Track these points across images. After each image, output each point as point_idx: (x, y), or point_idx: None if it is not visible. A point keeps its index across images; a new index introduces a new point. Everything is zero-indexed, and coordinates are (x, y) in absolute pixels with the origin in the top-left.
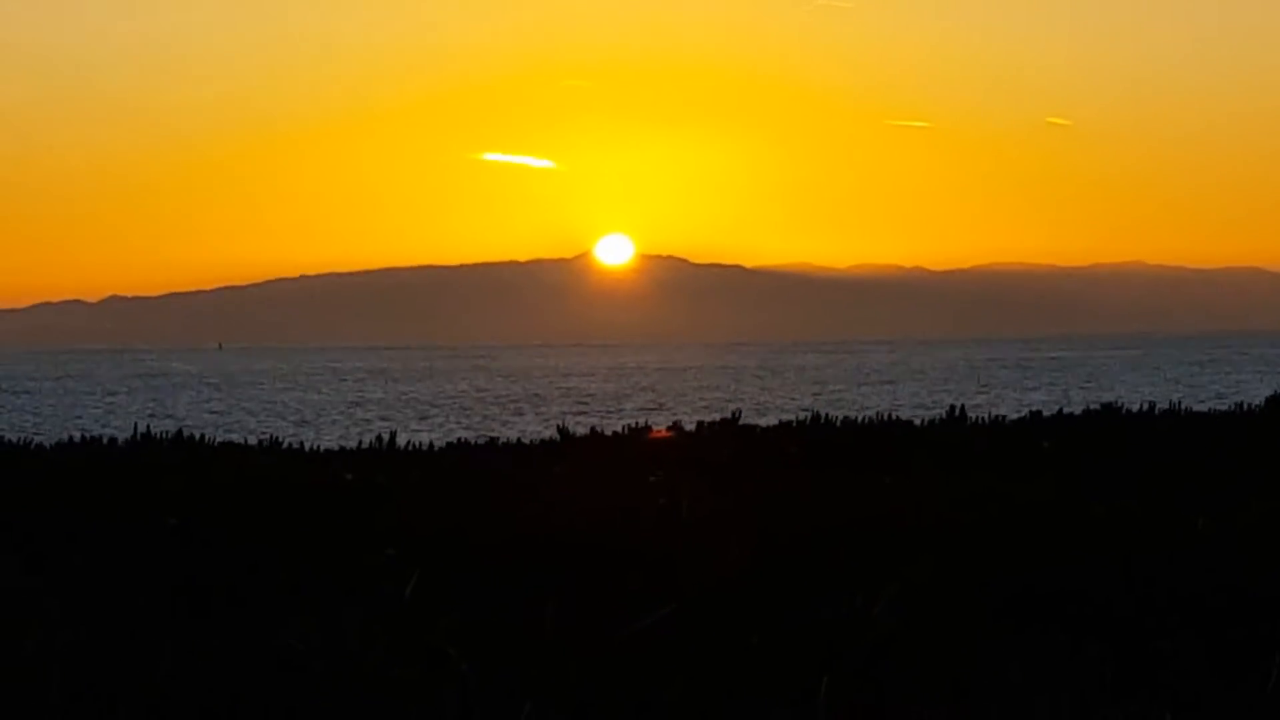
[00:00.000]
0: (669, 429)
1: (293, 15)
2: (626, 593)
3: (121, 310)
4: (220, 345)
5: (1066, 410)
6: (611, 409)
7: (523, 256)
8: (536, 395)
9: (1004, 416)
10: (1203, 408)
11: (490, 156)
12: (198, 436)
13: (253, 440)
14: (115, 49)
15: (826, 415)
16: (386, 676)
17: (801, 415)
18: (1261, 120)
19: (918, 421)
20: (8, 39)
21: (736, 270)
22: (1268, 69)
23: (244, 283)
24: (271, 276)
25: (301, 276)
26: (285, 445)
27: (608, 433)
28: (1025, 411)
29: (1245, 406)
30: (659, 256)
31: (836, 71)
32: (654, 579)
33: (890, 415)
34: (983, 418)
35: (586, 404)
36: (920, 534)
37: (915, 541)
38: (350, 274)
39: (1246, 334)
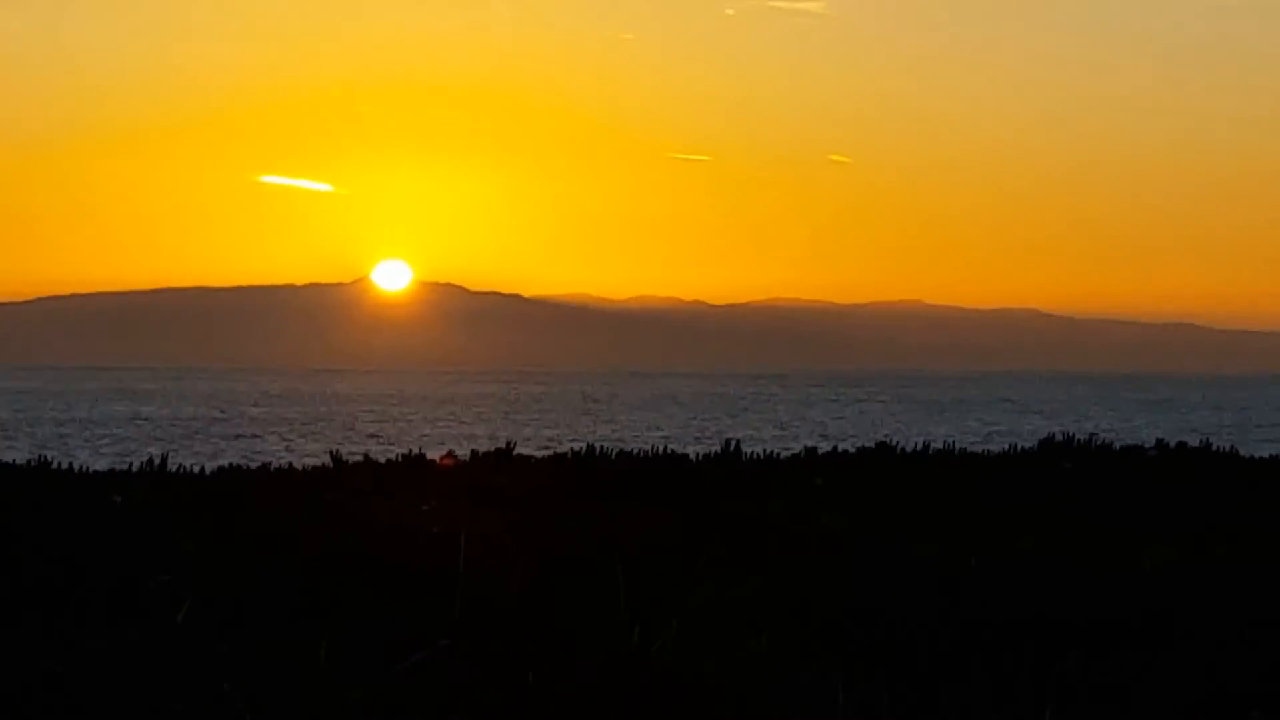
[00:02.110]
0: (444, 458)
1: (67, 27)
2: (406, 622)
3: None
4: None
5: (841, 448)
6: (387, 435)
7: (299, 280)
8: (310, 420)
9: (777, 452)
10: (977, 448)
11: (267, 179)
12: None
13: (20, 459)
14: None
15: (601, 448)
16: (155, 708)
17: (576, 447)
18: (1038, 162)
19: (692, 455)
20: None
21: (514, 299)
22: (1045, 112)
23: (14, 300)
24: (42, 294)
25: (73, 295)
26: (54, 465)
27: (381, 460)
28: (800, 448)
29: (1017, 448)
30: (437, 283)
31: (619, 103)
32: (432, 609)
33: (665, 449)
34: (757, 453)
35: (361, 430)
36: (694, 566)
37: (690, 574)
38: (123, 293)
39: (1024, 373)
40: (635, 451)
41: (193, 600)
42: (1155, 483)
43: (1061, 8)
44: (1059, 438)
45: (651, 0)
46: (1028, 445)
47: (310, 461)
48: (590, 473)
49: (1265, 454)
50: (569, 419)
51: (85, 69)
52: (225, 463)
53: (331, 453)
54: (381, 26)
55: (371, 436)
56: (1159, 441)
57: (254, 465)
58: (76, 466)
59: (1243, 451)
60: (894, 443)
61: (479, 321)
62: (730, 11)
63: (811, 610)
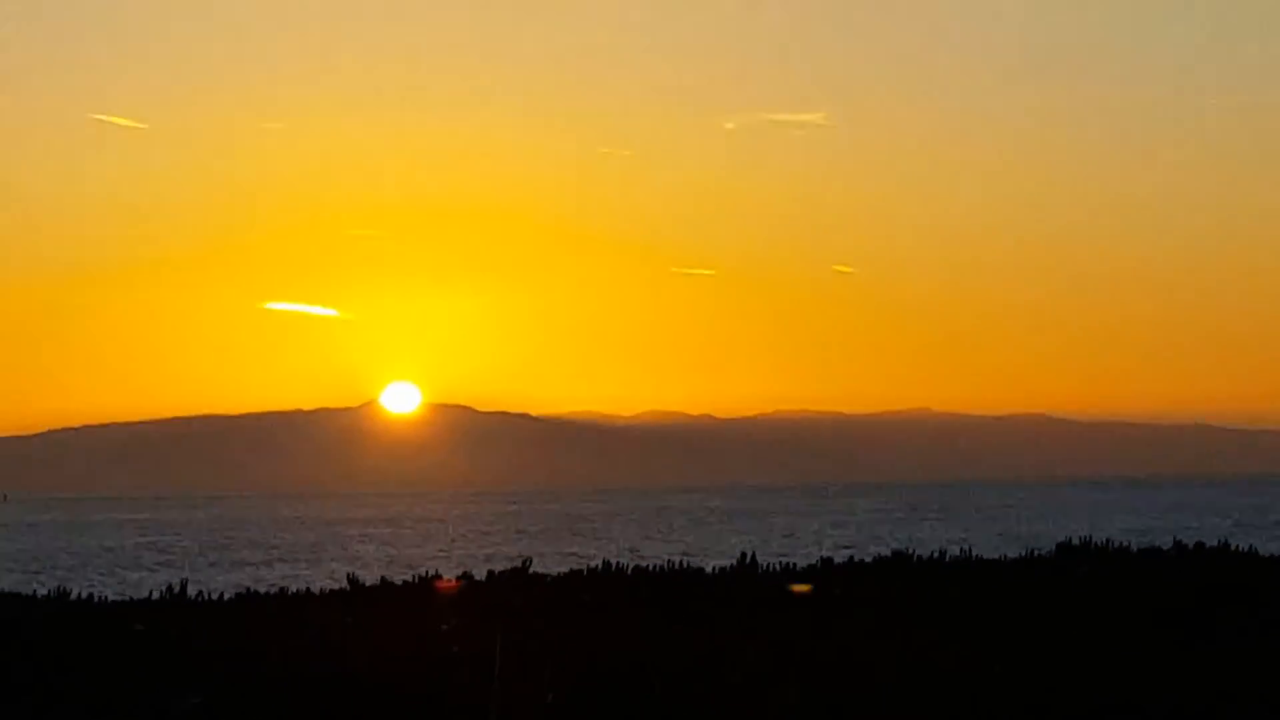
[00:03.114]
0: (459, 578)
1: (73, 159)
2: None
3: None
4: (4, 496)
5: (858, 557)
6: (399, 558)
7: (308, 405)
8: (325, 544)
9: (794, 563)
10: (993, 555)
11: (273, 305)
12: None
13: (41, 591)
14: None
15: (617, 563)
16: None
17: (592, 564)
18: (1044, 269)
19: (709, 569)
20: None
21: (522, 418)
22: (1051, 220)
23: (26, 433)
24: (55, 426)
25: (85, 426)
26: (74, 596)
27: (397, 582)
28: (817, 559)
29: (1034, 553)
30: (445, 405)
31: (621, 219)
32: None
33: (683, 563)
34: (773, 564)
35: (374, 553)
36: (720, 683)
37: (713, 694)
38: (135, 423)
39: (1039, 480)
40: (651, 566)
41: None
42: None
43: (1065, 116)
44: (1075, 541)
45: (650, 117)
46: (1044, 550)
47: (327, 585)
48: (606, 588)
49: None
50: (579, 537)
51: (88, 202)
52: (243, 588)
53: (348, 576)
54: (379, 152)
55: (387, 560)
56: (1176, 542)
57: (271, 591)
58: (96, 596)
59: (1262, 550)
60: (910, 551)
61: (488, 441)
62: (730, 125)
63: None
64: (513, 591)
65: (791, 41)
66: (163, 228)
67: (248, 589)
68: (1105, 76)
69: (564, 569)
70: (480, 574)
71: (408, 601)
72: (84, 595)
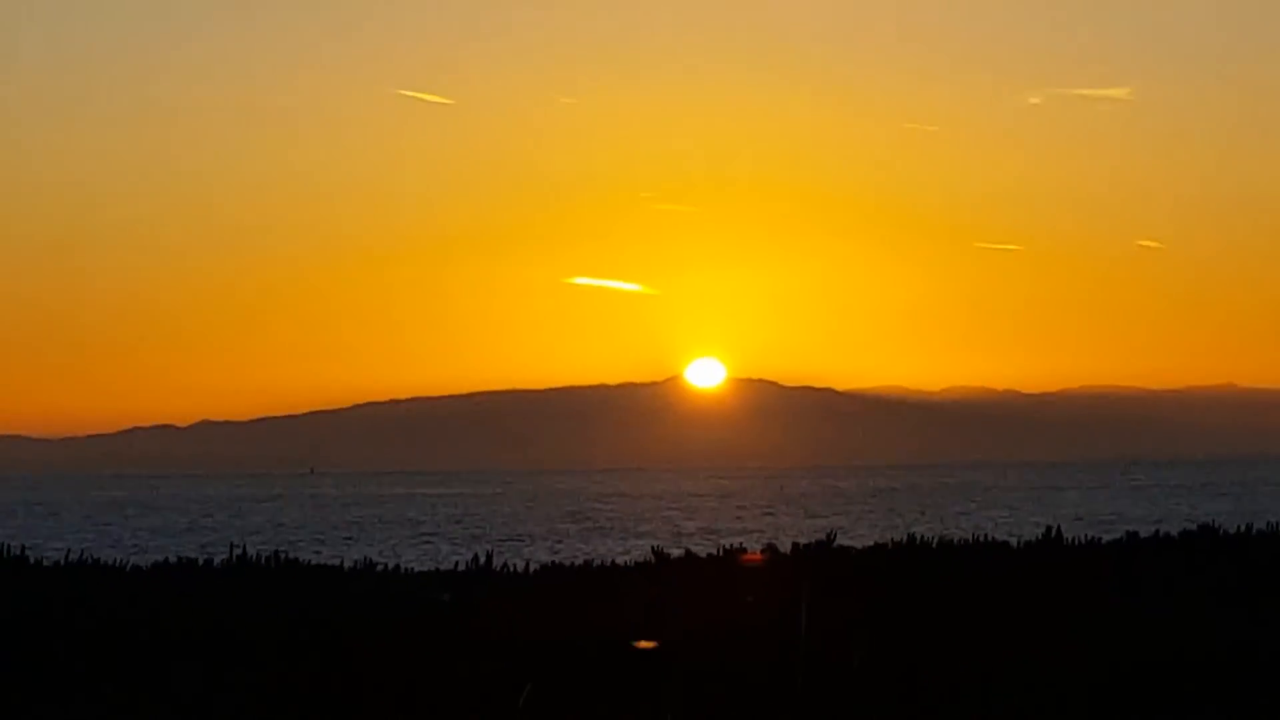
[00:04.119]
0: (763, 551)
1: (383, 140)
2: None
3: (212, 435)
4: (312, 470)
5: (1162, 531)
6: (703, 530)
7: (612, 380)
8: (628, 518)
9: (1099, 537)
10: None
11: (579, 280)
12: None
13: (348, 563)
14: (201, 174)
15: (921, 537)
16: None
17: (897, 537)
18: None
19: (1014, 543)
20: (106, 165)
21: (828, 393)
22: None
23: (334, 407)
24: (361, 401)
25: (391, 401)
26: (379, 568)
27: (702, 554)
28: (1122, 533)
29: None
30: (750, 379)
31: (924, 194)
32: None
33: (988, 537)
34: (1077, 538)
35: (678, 526)
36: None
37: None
38: (440, 398)
39: None
40: (955, 540)
41: (531, 687)
42: None
43: None
44: None
45: (954, 92)
46: None
47: (632, 558)
48: (909, 561)
49: None
50: (884, 512)
51: (395, 180)
52: (548, 561)
53: (653, 549)
54: (682, 127)
55: (692, 534)
56: None
57: (576, 563)
58: (403, 568)
59: None
60: (1218, 526)
61: (793, 416)
62: (1034, 100)
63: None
64: (817, 564)
65: (1095, 16)
66: (468, 203)
67: (552, 562)
68: None
69: (869, 542)
70: (785, 547)
71: (712, 574)
72: (390, 567)
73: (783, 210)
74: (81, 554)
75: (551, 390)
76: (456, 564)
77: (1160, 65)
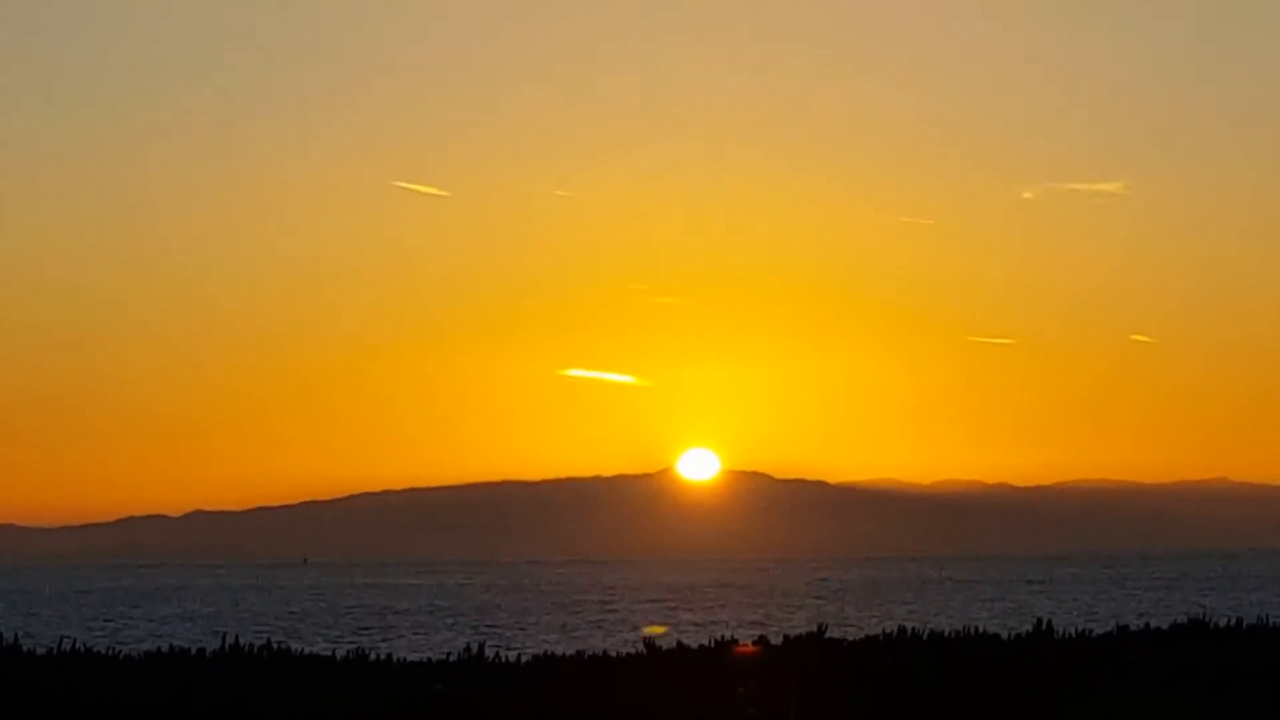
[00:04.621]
0: (755, 642)
1: (379, 231)
2: None
3: (205, 524)
4: (305, 559)
5: (1153, 624)
6: (696, 622)
7: (606, 471)
8: (620, 609)
9: (1090, 630)
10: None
11: (573, 372)
12: (285, 648)
13: (340, 652)
14: (196, 266)
15: (913, 629)
16: None
17: (888, 629)
18: None
19: (1004, 635)
20: (101, 257)
21: (820, 485)
22: None
23: (328, 497)
24: (355, 491)
25: (385, 491)
26: (372, 657)
27: (694, 645)
28: (1112, 625)
29: None
30: (743, 471)
31: (917, 287)
32: None
33: (978, 630)
34: (1068, 631)
35: (671, 617)
36: None
37: None
38: (434, 489)
39: None
40: (946, 632)
41: None
42: None
43: None
44: None
45: (947, 186)
46: None
47: (624, 649)
48: (902, 654)
49: None
50: (875, 604)
51: (390, 273)
52: (541, 651)
53: (645, 640)
54: (674, 220)
55: (678, 623)
56: None
57: (568, 654)
58: (395, 657)
59: None
60: (1208, 619)
61: (786, 508)
62: (1028, 194)
63: None
64: (808, 656)
65: (1090, 111)
66: (463, 294)
67: (545, 652)
68: None
69: (861, 634)
70: (776, 638)
71: (704, 665)
72: (382, 656)
73: (776, 302)
74: (74, 643)
75: (545, 481)
76: (448, 654)
77: (1154, 160)
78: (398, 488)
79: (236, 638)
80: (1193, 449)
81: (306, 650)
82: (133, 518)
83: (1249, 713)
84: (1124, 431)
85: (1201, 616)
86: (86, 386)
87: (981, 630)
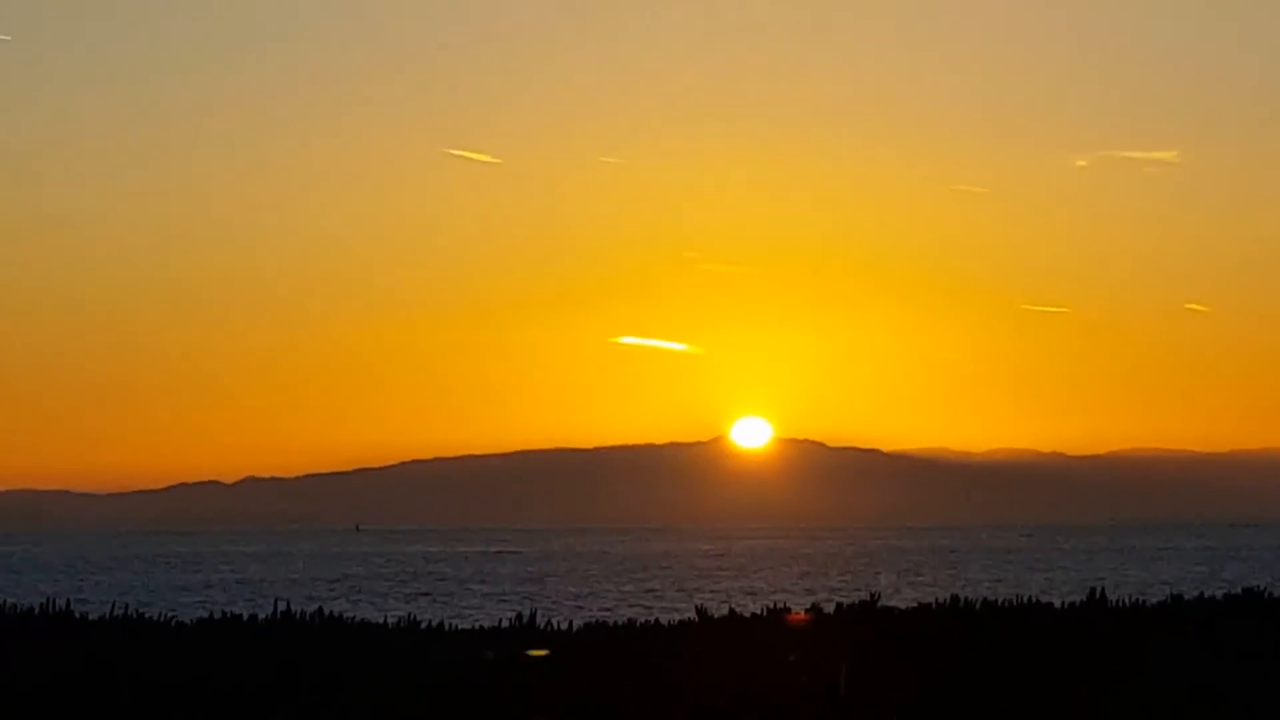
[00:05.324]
0: (807, 610)
1: (431, 199)
2: None
3: (258, 491)
4: (358, 526)
5: (1208, 594)
6: (748, 590)
7: (659, 439)
8: (672, 576)
9: (1143, 599)
10: None
11: (625, 339)
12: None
13: (391, 619)
14: (248, 235)
15: (965, 598)
16: None
17: (940, 598)
18: None
19: (1057, 604)
20: (155, 227)
21: (874, 454)
22: None
23: (380, 464)
24: (407, 458)
25: (436, 459)
26: (424, 625)
27: (746, 613)
28: (1167, 595)
29: None
30: (795, 440)
31: (972, 257)
32: None
33: (1032, 599)
34: (1122, 600)
35: (723, 585)
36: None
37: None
38: (486, 456)
39: None
40: (999, 601)
41: None
42: None
43: None
44: None
45: (1001, 154)
46: None
47: (676, 617)
48: (953, 623)
49: None
50: (929, 572)
51: (442, 241)
52: (592, 619)
53: (697, 608)
54: (738, 188)
55: (730, 591)
56: None
57: (619, 621)
58: (447, 625)
59: None
60: (1262, 589)
61: (839, 477)
62: (1081, 163)
63: None
64: (861, 624)
65: (1143, 79)
66: (515, 262)
67: (596, 620)
68: None
69: (913, 602)
70: (829, 607)
71: (756, 633)
72: (434, 623)
73: (829, 270)
74: (126, 609)
75: (598, 449)
76: (500, 621)
77: (1208, 128)
78: (450, 455)
79: (288, 604)
80: (1248, 418)
81: (358, 617)
82: (185, 484)
83: None
84: (1178, 401)
85: (1257, 587)
86: (139, 354)
87: (1034, 599)
